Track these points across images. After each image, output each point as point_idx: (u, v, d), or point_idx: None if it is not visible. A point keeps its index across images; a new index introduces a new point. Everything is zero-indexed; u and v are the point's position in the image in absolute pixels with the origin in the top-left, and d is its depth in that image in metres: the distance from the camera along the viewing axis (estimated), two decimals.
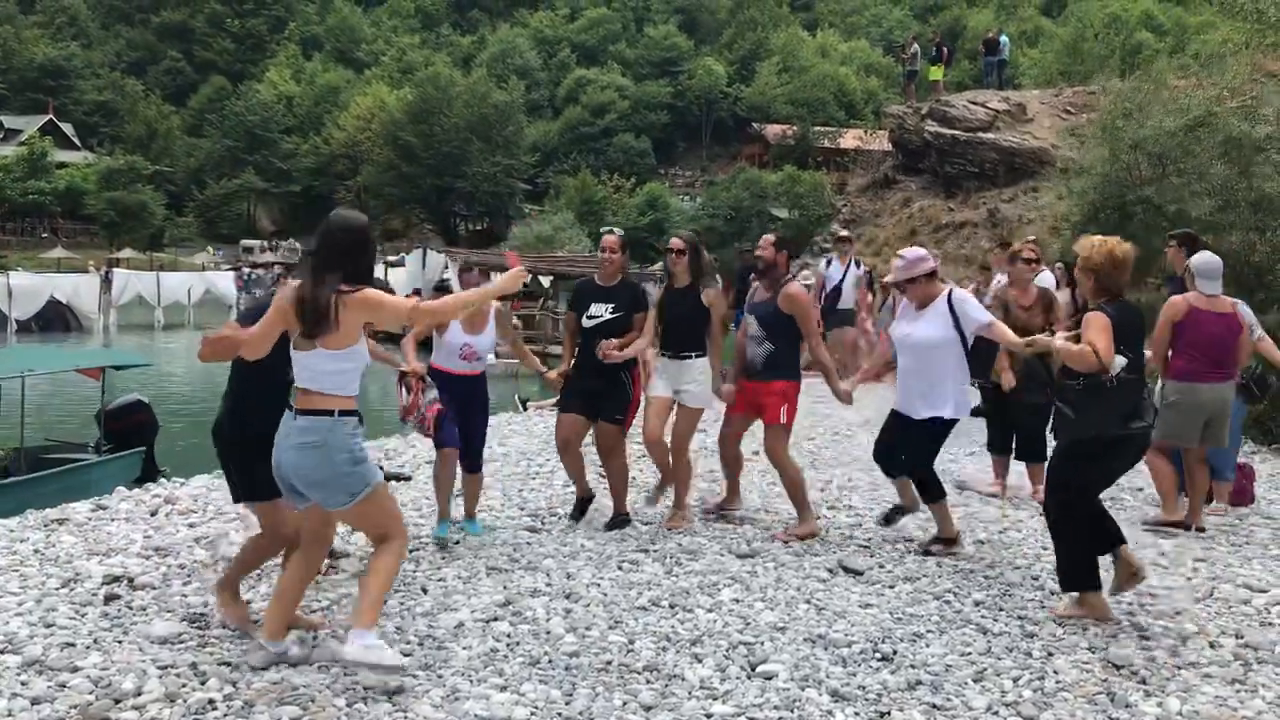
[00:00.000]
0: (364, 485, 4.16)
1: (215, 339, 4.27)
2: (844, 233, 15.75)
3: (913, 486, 6.38)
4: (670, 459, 6.81)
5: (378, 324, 4.39)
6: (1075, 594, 5.23)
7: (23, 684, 4.15)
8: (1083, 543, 5.17)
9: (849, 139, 56.50)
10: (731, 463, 7.08)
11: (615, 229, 7.06)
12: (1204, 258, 6.94)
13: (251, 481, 4.68)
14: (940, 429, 6.12)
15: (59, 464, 11.56)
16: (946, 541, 6.30)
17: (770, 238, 6.82)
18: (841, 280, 13.07)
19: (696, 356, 6.60)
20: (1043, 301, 7.72)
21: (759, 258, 6.72)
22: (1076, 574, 5.19)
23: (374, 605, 4.17)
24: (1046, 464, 5.72)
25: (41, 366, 13.63)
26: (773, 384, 6.58)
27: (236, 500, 4.98)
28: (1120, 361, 4.96)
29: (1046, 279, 9.88)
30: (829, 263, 13.57)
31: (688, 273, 6.58)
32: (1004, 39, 30.42)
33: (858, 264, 13.51)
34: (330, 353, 4.12)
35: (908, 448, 6.22)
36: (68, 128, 77.02)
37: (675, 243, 6.70)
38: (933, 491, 6.25)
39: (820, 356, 6.80)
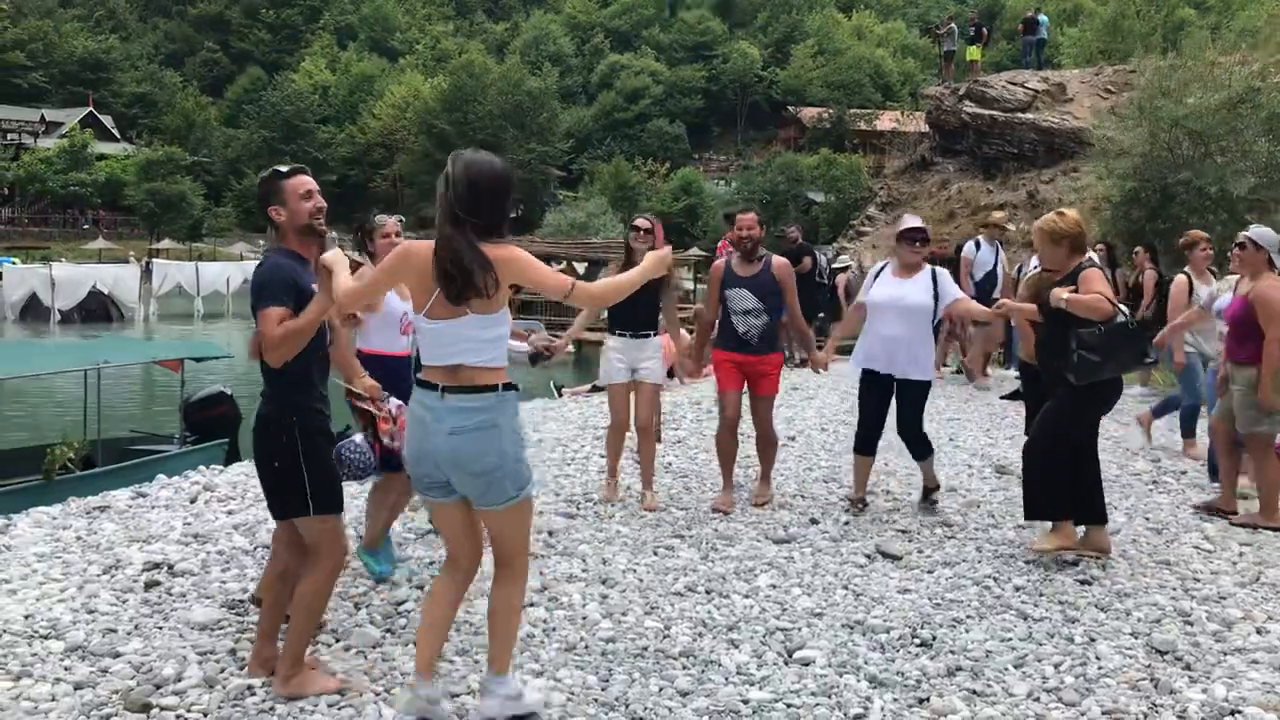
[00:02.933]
0: (529, 479, 3.63)
1: (285, 333, 3.75)
2: (998, 214, 14.00)
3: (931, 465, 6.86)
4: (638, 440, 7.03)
5: (528, 288, 3.86)
6: (1049, 524, 5.68)
7: (66, 669, 4.20)
8: (1065, 473, 5.63)
9: (885, 121, 56.10)
10: (728, 454, 7.04)
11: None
12: (1270, 233, 6.70)
13: (308, 491, 3.94)
14: (925, 390, 6.69)
15: (142, 455, 11.60)
16: (932, 489, 6.92)
17: (752, 215, 6.90)
18: (994, 266, 12.15)
19: (654, 335, 6.88)
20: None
21: (748, 237, 6.80)
22: (1057, 504, 5.65)
23: (508, 647, 3.73)
24: (1049, 408, 5.83)
25: (118, 359, 13.69)
26: (770, 356, 6.84)
27: (282, 517, 4.12)
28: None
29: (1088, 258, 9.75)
30: (977, 245, 12.44)
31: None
32: (1042, 18, 29.98)
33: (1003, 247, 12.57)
34: (484, 317, 3.51)
35: (907, 409, 6.66)
36: (107, 120, 77.91)
37: (642, 222, 6.83)
38: (925, 449, 6.76)
39: (800, 325, 7.13)
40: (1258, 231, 6.67)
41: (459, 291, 3.44)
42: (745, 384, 6.90)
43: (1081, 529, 5.76)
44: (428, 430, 3.52)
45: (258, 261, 4.04)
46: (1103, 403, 5.70)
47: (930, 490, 6.92)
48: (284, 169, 4.12)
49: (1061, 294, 5.47)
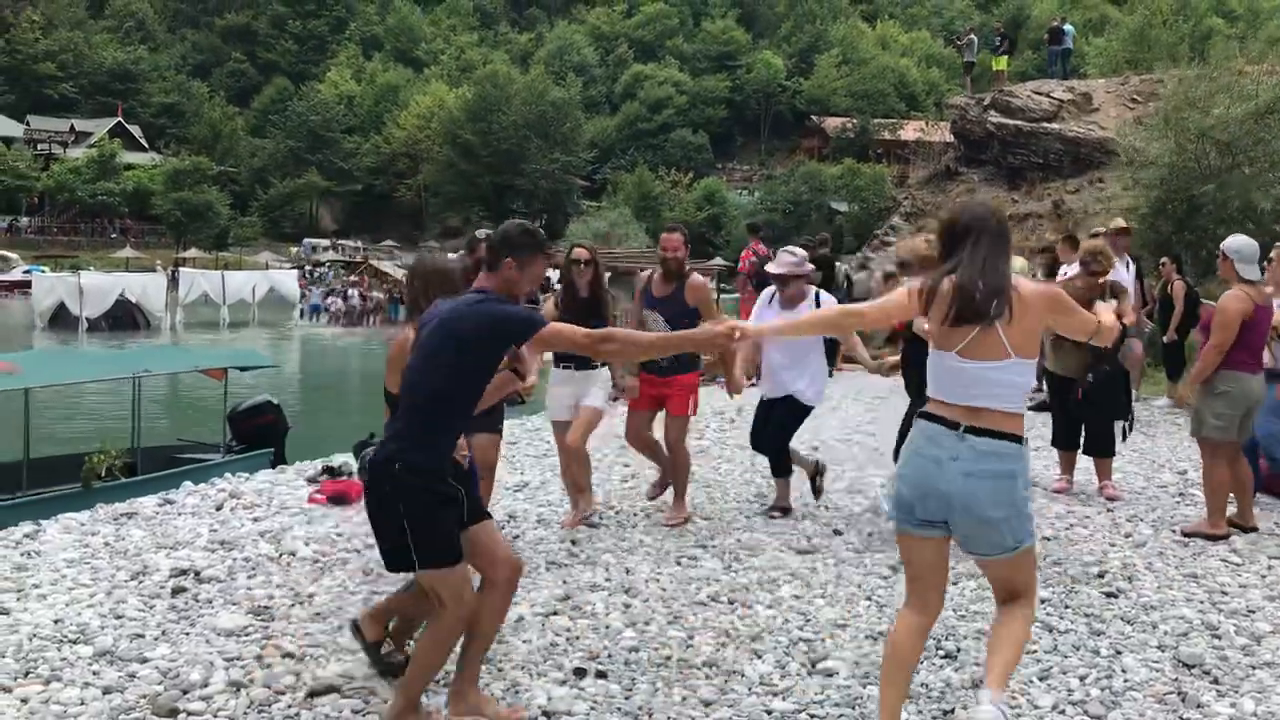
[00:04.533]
0: (1030, 534, 3.53)
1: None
2: (1120, 222, 11.98)
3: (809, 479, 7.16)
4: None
5: (1061, 331, 3.79)
6: None
7: (94, 674, 4.24)
8: None
9: (909, 131, 55.97)
10: (649, 447, 7.03)
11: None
12: (1243, 241, 6.67)
13: (437, 540, 3.65)
14: (804, 411, 6.87)
15: (187, 464, 11.64)
16: (783, 510, 6.96)
17: (678, 236, 6.81)
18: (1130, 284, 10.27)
19: (600, 366, 6.54)
20: (1111, 291, 7.57)
21: (674, 258, 6.69)
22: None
23: (1008, 672, 3.58)
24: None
25: (162, 367, 13.71)
26: (679, 378, 6.74)
27: (400, 569, 3.80)
28: None
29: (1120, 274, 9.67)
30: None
31: (590, 284, 6.46)
32: (1068, 28, 29.83)
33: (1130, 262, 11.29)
34: (1022, 362, 3.44)
35: (774, 425, 6.87)
36: (135, 130, 78.69)
37: (582, 254, 6.52)
38: (784, 469, 6.98)
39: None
40: (1227, 242, 6.64)
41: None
42: (655, 403, 6.81)
43: None
44: (941, 468, 3.43)
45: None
46: None
47: (776, 508, 6.97)
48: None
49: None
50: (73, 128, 76.49)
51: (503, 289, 3.79)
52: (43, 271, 45.42)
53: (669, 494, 6.94)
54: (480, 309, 3.69)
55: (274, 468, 9.86)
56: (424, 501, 3.60)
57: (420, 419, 3.67)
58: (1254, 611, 5.15)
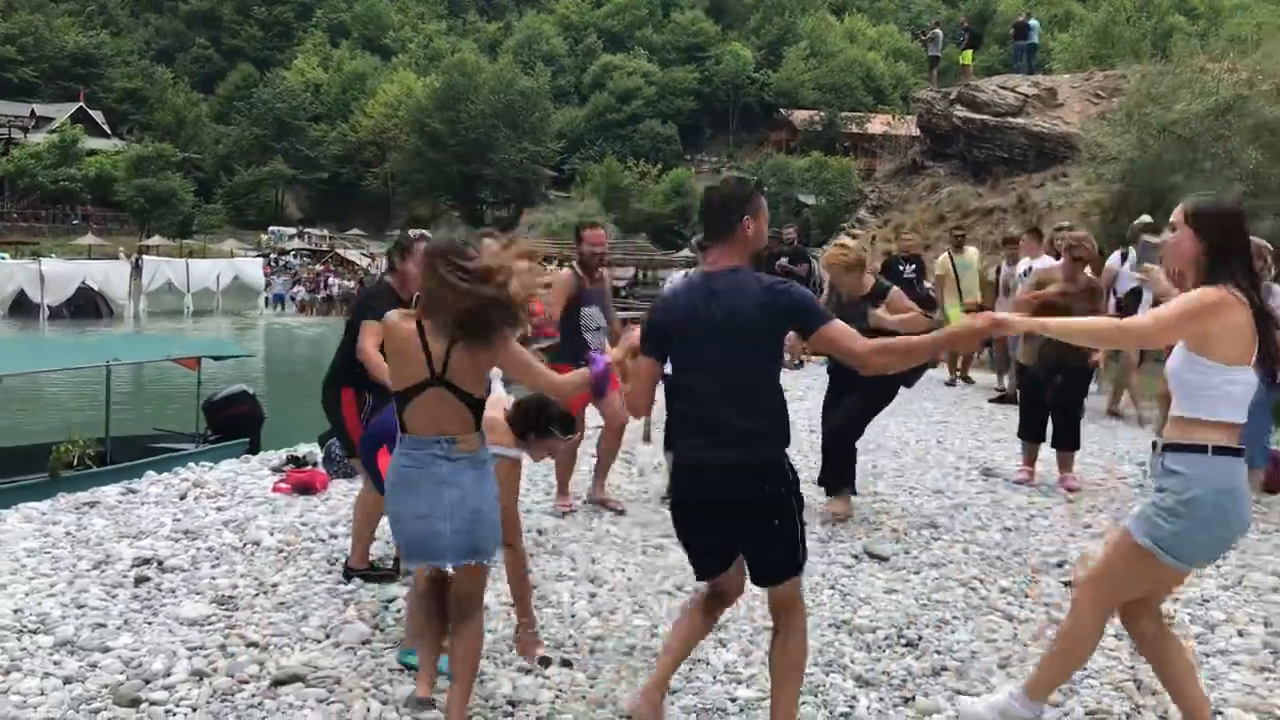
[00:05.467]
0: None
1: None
2: (1147, 219, 10.81)
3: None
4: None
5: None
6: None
7: (55, 663, 4.21)
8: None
9: (876, 124, 56.27)
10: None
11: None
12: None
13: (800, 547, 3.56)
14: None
15: (160, 453, 11.50)
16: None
17: (601, 232, 6.97)
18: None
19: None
20: (1088, 291, 7.66)
21: (597, 253, 6.83)
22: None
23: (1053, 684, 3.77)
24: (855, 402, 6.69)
25: (132, 356, 13.50)
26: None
27: (785, 578, 3.53)
28: None
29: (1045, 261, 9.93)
30: (1124, 257, 10.45)
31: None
32: (1034, 23, 30.09)
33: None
34: None
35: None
36: (98, 115, 77.50)
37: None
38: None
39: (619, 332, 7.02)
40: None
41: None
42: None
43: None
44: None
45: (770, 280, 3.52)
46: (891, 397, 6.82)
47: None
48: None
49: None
50: (33, 112, 75.21)
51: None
52: (3, 258, 44.68)
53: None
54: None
55: (250, 457, 9.81)
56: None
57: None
58: (1208, 601, 5.24)
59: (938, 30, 31.18)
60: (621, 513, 6.79)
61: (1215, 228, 3.39)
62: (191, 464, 8.69)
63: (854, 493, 6.95)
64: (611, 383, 3.99)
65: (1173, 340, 3.50)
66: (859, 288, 6.64)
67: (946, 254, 13.15)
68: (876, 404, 6.84)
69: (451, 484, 3.48)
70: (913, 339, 3.71)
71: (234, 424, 12.11)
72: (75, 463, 10.63)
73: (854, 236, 6.35)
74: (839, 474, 6.85)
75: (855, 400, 6.73)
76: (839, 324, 3.48)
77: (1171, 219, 3.51)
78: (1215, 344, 3.31)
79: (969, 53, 29.25)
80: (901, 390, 6.99)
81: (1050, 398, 7.78)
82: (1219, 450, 3.34)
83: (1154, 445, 3.62)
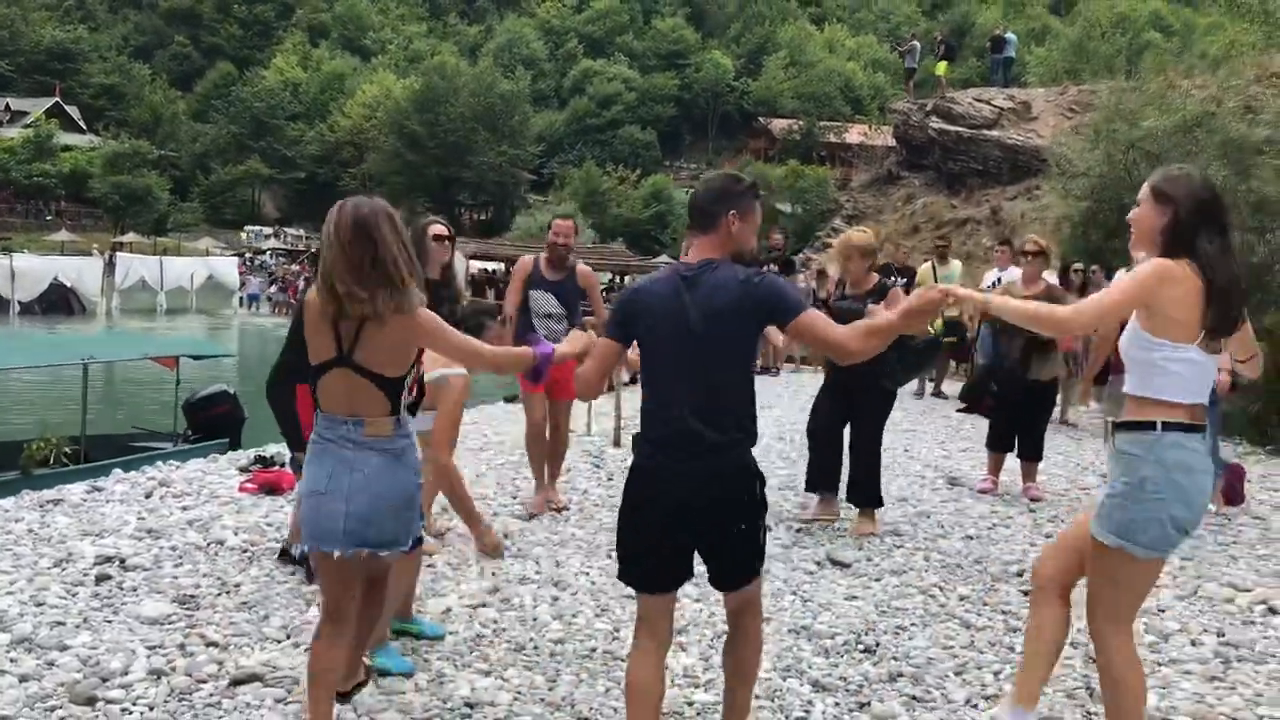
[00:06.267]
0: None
1: None
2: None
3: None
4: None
5: None
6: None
7: (11, 661, 4.20)
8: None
9: (854, 134, 56.35)
10: (539, 456, 7.09)
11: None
12: None
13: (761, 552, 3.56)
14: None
15: (139, 452, 11.40)
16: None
17: (570, 223, 7.17)
18: None
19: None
20: (1047, 295, 7.74)
21: (564, 244, 6.99)
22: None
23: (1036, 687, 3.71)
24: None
25: (110, 355, 13.37)
26: (569, 362, 6.69)
27: (744, 583, 3.51)
28: None
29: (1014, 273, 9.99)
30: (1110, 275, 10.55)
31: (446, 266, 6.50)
32: (1010, 36, 30.34)
33: None
34: None
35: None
36: (74, 111, 76.99)
37: (439, 229, 6.47)
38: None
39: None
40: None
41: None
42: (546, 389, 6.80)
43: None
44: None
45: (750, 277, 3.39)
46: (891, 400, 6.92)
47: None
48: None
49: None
50: (8, 106, 74.66)
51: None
52: None
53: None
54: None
55: (219, 457, 9.76)
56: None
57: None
58: (1164, 610, 5.31)
59: (915, 42, 31.41)
60: (564, 509, 6.93)
61: (1177, 202, 3.35)
62: (160, 463, 8.65)
63: (880, 504, 6.86)
64: (551, 373, 3.98)
65: (1124, 313, 3.44)
66: (865, 278, 6.67)
67: (930, 264, 13.26)
68: (883, 412, 6.90)
69: (354, 468, 3.31)
70: (874, 321, 3.62)
71: (214, 424, 12.07)
72: (50, 460, 10.58)
73: (863, 232, 6.53)
74: (867, 495, 6.75)
75: (864, 423, 6.84)
76: (815, 312, 3.42)
77: (1139, 195, 3.50)
78: (1161, 319, 3.28)
79: (944, 65, 29.48)
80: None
81: (1023, 408, 7.88)
82: (1169, 426, 3.30)
83: (1106, 424, 3.62)
